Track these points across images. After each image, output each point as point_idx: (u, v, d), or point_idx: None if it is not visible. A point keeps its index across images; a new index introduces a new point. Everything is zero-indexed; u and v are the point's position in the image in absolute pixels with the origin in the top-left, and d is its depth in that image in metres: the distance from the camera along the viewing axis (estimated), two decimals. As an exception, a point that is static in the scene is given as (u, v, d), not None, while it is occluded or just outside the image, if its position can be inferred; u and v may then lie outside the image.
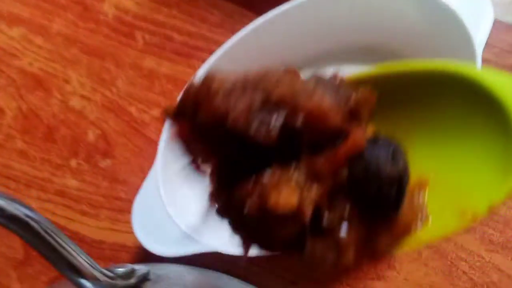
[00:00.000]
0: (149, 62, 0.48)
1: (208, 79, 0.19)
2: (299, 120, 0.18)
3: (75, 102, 0.48)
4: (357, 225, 0.19)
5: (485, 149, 0.21)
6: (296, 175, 0.19)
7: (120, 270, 0.30)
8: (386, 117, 0.22)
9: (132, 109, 0.47)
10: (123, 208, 0.44)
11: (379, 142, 0.19)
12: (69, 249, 0.26)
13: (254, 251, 0.32)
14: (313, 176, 0.19)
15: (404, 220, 0.20)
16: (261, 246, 0.21)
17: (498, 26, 0.40)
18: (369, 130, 0.21)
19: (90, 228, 0.43)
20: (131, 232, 0.42)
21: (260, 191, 0.18)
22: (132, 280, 0.30)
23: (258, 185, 0.18)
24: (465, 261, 0.38)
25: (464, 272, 0.38)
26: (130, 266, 0.31)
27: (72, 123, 0.47)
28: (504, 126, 0.20)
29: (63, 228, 0.43)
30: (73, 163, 0.46)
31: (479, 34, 0.38)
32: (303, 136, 0.19)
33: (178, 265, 0.37)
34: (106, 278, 0.27)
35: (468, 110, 0.21)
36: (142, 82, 0.48)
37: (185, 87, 0.20)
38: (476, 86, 0.20)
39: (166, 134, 0.39)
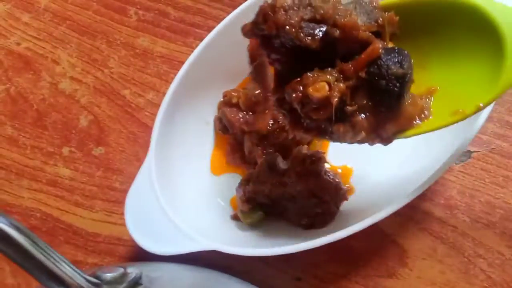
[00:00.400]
0: (142, 41, 0.45)
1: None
2: (337, 32, 0.26)
3: (66, 85, 0.45)
4: (370, 114, 0.27)
5: (481, 66, 0.27)
6: (329, 75, 0.26)
7: (109, 275, 0.27)
8: (407, 39, 0.28)
9: (126, 92, 0.44)
10: (119, 199, 0.41)
11: (393, 51, 0.26)
12: (48, 256, 0.23)
13: (259, 251, 0.30)
14: (341, 76, 0.26)
15: (409, 115, 0.27)
16: (303, 128, 0.28)
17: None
18: (389, 45, 0.27)
19: (84, 220, 0.41)
20: (126, 225, 0.40)
21: (304, 85, 0.26)
22: (122, 286, 0.27)
23: (303, 81, 0.26)
24: (483, 258, 0.35)
25: (482, 270, 0.35)
26: (121, 270, 0.29)
27: (63, 108, 0.44)
28: (497, 46, 0.25)
29: (56, 220, 0.41)
30: (65, 151, 0.43)
31: None
32: (338, 45, 0.26)
33: (175, 264, 0.35)
34: (91, 286, 0.25)
35: (472, 34, 0.27)
36: (136, 63, 0.45)
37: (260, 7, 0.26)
38: (478, 13, 0.26)
39: (160, 120, 0.36)
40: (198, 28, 0.44)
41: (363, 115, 0.27)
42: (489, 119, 0.39)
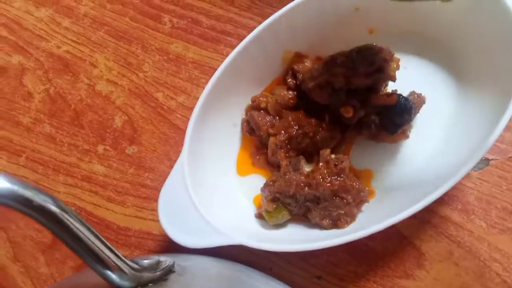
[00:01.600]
0: (176, 47, 0.47)
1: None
2: (353, 84, 0.36)
3: (102, 87, 0.48)
4: (377, 127, 0.38)
5: None
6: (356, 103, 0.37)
7: (146, 262, 0.30)
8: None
9: (159, 95, 0.46)
10: (149, 195, 0.43)
11: (403, 98, 0.37)
12: (95, 240, 0.25)
13: (283, 246, 0.31)
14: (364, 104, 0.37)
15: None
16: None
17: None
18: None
19: (116, 215, 0.43)
20: (156, 220, 0.42)
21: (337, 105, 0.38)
22: (158, 272, 0.29)
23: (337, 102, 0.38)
24: (499, 262, 0.37)
25: (497, 274, 0.36)
26: (155, 258, 0.31)
27: (99, 108, 0.47)
28: None
29: (89, 214, 0.44)
30: (100, 149, 0.46)
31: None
32: (356, 88, 0.37)
33: (202, 256, 0.37)
34: (132, 271, 0.27)
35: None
36: (169, 67, 0.47)
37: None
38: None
39: (193, 123, 0.38)
40: (229, 36, 0.47)
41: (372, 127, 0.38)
42: (507, 128, 0.40)
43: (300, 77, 0.40)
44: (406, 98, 0.37)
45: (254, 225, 0.39)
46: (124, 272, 0.26)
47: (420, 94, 0.39)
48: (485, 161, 0.40)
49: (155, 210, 0.43)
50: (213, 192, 0.39)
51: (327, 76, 0.37)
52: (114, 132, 0.46)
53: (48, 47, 0.50)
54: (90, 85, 0.48)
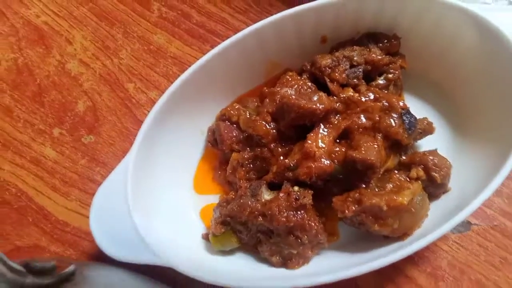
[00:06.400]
0: (159, 38, 0.44)
1: None
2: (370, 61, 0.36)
3: (73, 66, 0.44)
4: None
5: None
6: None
7: (38, 265, 0.25)
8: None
9: (130, 86, 0.42)
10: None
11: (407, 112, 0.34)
12: None
13: (217, 279, 0.27)
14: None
15: None
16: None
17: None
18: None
19: (57, 206, 0.40)
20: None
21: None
22: (47, 280, 0.25)
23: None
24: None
25: None
26: (52, 263, 0.26)
27: (64, 88, 0.43)
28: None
29: (30, 200, 0.40)
30: (56, 132, 0.42)
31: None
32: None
33: (125, 270, 0.32)
34: (11, 273, 0.23)
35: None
36: (147, 58, 0.43)
37: None
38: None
39: (151, 119, 0.34)
40: (217, 36, 0.43)
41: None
42: (498, 193, 0.36)
43: (320, 63, 0.36)
44: (412, 115, 0.33)
45: (198, 245, 0.35)
46: (4, 276, 0.22)
47: (432, 123, 0.35)
48: (466, 225, 0.35)
49: (98, 209, 0.39)
50: (159, 201, 0.35)
51: (346, 52, 0.36)
52: (74, 117, 0.42)
53: (27, 15, 0.46)
54: (61, 62, 0.44)
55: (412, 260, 0.35)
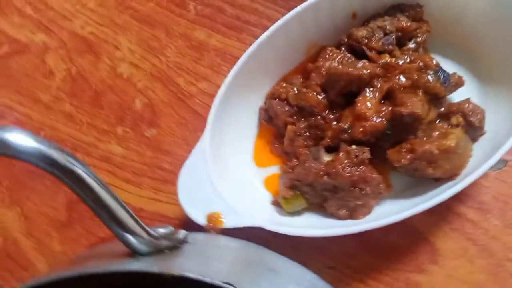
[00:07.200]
0: (199, 34, 0.48)
1: None
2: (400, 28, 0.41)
3: (124, 69, 0.48)
4: None
5: None
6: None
7: (161, 230, 0.29)
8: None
9: (180, 80, 0.47)
10: (166, 178, 0.44)
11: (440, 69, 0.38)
12: (116, 204, 0.25)
13: (302, 231, 0.32)
14: None
15: None
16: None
17: None
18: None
19: (131, 196, 0.44)
20: (172, 203, 0.43)
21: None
22: (172, 241, 0.29)
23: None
24: (513, 262, 0.37)
25: (511, 274, 0.36)
26: (170, 228, 0.31)
27: (120, 90, 0.47)
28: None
29: (105, 194, 0.44)
30: (119, 130, 0.46)
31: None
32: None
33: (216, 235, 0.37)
34: (149, 237, 0.27)
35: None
36: (191, 54, 0.47)
37: None
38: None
39: (217, 105, 0.39)
40: (253, 26, 0.47)
41: None
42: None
43: (356, 35, 0.40)
44: (445, 71, 0.38)
45: (270, 211, 0.39)
46: (142, 237, 0.26)
47: (462, 77, 0.39)
48: (503, 162, 0.40)
49: (171, 193, 0.43)
50: (230, 177, 0.39)
51: (378, 22, 0.40)
52: (134, 114, 0.46)
53: (72, 28, 0.50)
54: (112, 67, 0.48)
55: (459, 198, 0.39)
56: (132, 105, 0.46)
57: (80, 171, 0.24)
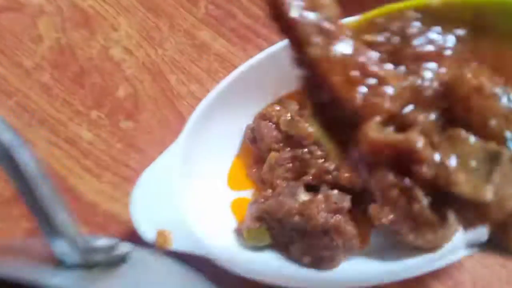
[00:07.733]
0: (204, 34, 0.45)
1: None
2: None
3: (116, 52, 0.45)
4: None
5: None
6: None
7: (102, 242, 0.26)
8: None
9: (172, 78, 0.43)
10: (129, 177, 0.40)
11: None
12: (54, 202, 0.22)
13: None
14: None
15: None
16: None
17: None
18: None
19: (88, 187, 0.40)
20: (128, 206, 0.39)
21: None
22: (110, 258, 0.26)
23: None
24: None
25: None
26: (114, 241, 0.27)
27: (106, 73, 0.44)
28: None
29: (62, 179, 0.40)
30: (93, 114, 0.43)
31: None
32: None
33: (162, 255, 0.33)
34: (83, 248, 0.23)
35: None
36: (191, 53, 0.44)
37: None
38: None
39: (198, 112, 0.36)
40: (262, 39, 0.44)
41: None
42: None
43: None
44: None
45: (231, 239, 0.36)
46: (75, 246, 0.23)
47: None
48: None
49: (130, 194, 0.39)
50: (196, 192, 0.36)
51: None
52: (114, 102, 0.43)
53: (74, -3, 0.47)
54: (104, 47, 0.45)
55: (434, 273, 0.36)
56: (115, 92, 0.43)
57: (20, 160, 0.21)
